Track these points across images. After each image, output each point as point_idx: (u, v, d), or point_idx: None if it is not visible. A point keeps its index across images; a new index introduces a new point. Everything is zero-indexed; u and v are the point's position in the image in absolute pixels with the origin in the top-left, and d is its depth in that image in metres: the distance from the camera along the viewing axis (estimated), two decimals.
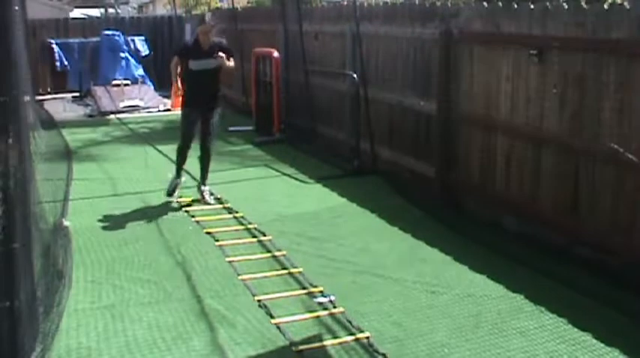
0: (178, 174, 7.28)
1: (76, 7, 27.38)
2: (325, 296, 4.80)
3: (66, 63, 15.57)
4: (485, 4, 6.56)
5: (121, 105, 13.75)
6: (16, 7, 3.61)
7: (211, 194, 7.26)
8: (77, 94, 15.44)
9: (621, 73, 5.03)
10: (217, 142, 10.62)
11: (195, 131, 7.13)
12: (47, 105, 14.09)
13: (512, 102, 6.14)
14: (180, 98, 7.36)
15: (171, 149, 9.96)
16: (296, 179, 8.27)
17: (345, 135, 9.27)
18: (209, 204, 7.03)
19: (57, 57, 15.51)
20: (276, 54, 10.75)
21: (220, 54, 7.01)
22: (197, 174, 7.49)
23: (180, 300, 4.79)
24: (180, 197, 7.21)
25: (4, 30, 3.31)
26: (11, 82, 3.42)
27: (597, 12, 5.21)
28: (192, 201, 7.16)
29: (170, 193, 7.17)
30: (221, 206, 7.05)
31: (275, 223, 6.41)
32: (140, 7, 34.87)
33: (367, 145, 8.52)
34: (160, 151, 9.93)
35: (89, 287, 5.01)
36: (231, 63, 7.20)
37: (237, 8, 14.20)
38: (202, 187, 7.26)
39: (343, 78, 9.22)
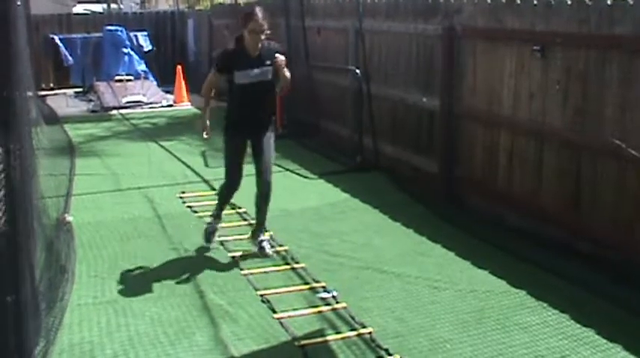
0: (218, 217, 5.81)
1: (79, 2, 27.36)
2: (328, 292, 4.80)
3: (70, 59, 15.58)
4: None
5: (124, 100, 13.77)
6: (18, 3, 3.61)
7: (271, 244, 5.70)
8: (80, 90, 15.46)
9: (624, 68, 5.02)
10: (220, 138, 10.72)
11: (243, 163, 5.53)
12: (50, 101, 14.12)
13: (514, 98, 6.13)
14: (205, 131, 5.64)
15: (174, 144, 10.07)
16: (298, 174, 8.27)
17: (348, 130, 9.27)
18: (268, 256, 5.51)
19: (63, 53, 15.52)
20: None
21: (278, 57, 5.32)
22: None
23: (182, 295, 4.80)
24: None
25: (6, 25, 3.31)
26: (13, 78, 3.42)
27: (600, 8, 5.20)
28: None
29: (209, 239, 5.75)
30: None
31: (277, 218, 6.41)
32: (142, 3, 34.80)
33: (370, 141, 8.51)
34: (162, 147, 9.94)
35: (92, 282, 5.03)
36: (287, 72, 5.47)
37: (239, 3, 14.18)
38: (260, 236, 5.64)
39: (346, 73, 9.21)
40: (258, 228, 5.66)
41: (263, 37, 5.26)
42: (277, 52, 5.38)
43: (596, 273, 5.07)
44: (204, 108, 5.63)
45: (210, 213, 5.88)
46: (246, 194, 7.37)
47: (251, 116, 5.43)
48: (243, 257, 5.49)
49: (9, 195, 3.32)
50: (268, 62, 5.32)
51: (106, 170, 8.56)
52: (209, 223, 5.80)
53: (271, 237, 5.46)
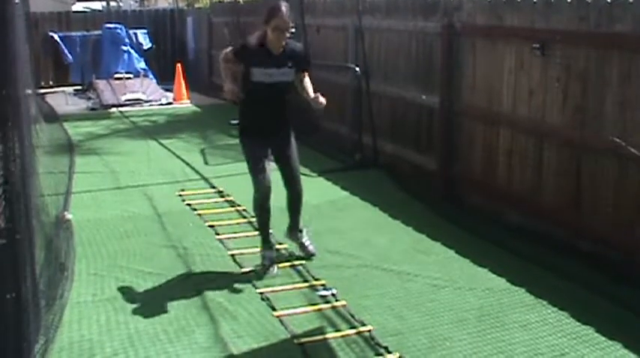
0: (267, 243, 5.21)
1: (78, 0, 27.37)
2: (327, 290, 4.80)
3: (69, 56, 15.57)
4: None
5: (123, 98, 13.76)
6: (17, 0, 3.61)
7: (310, 241, 5.48)
8: (79, 87, 15.46)
9: (624, 66, 5.01)
10: (220, 136, 10.74)
11: (269, 168, 5.10)
12: (49, 99, 14.10)
13: (514, 95, 6.13)
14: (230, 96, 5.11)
15: (173, 142, 10.06)
16: None
17: (347, 128, 9.26)
18: (311, 254, 5.36)
19: (62, 50, 15.51)
20: None
21: (319, 99, 4.97)
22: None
23: (182, 293, 4.80)
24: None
25: (4, 24, 3.30)
26: (12, 76, 3.42)
27: (600, 6, 5.19)
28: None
29: (268, 269, 5.11)
30: (223, 199, 7.05)
31: (276, 216, 6.38)
32: (142, 1, 34.83)
33: (369, 139, 8.51)
34: (162, 144, 9.94)
35: (91, 279, 5.03)
36: (307, 80, 5.17)
37: (239, 1, 14.17)
38: (298, 233, 5.42)
39: (345, 71, 9.21)
40: (295, 227, 5.42)
41: (288, 35, 4.89)
42: (299, 57, 5.09)
43: (596, 272, 5.07)
44: (226, 74, 5.15)
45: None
46: (244, 189, 7.38)
47: (268, 118, 5.07)
48: (243, 254, 5.49)
49: (8, 192, 3.32)
50: (290, 64, 4.99)
51: (105, 168, 8.56)
52: (262, 255, 5.20)
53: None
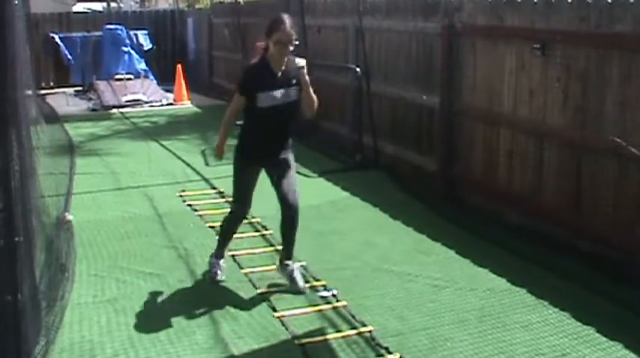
0: (220, 254, 5.08)
1: (79, 1, 27.38)
2: (328, 290, 4.80)
3: (70, 57, 15.58)
4: None
5: (124, 99, 13.77)
6: (16, 2, 3.60)
7: (302, 273, 5.02)
8: (80, 88, 15.46)
9: (624, 66, 5.01)
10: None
11: (253, 192, 4.88)
12: (50, 100, 14.11)
13: (515, 96, 6.13)
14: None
15: (174, 143, 10.07)
16: (298, 173, 8.13)
17: (348, 129, 9.26)
18: (300, 291, 4.78)
19: (63, 51, 15.52)
20: None
21: (299, 62, 4.65)
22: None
23: (182, 294, 4.80)
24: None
25: (3, 25, 3.30)
26: (11, 77, 3.42)
27: (601, 6, 5.19)
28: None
29: (215, 278, 5.00)
30: (223, 200, 7.05)
31: (277, 217, 6.36)
32: (142, 1, 34.82)
33: (370, 139, 8.51)
34: (162, 145, 9.94)
35: (92, 280, 5.03)
36: (311, 91, 4.73)
37: (239, 2, 14.17)
38: (289, 265, 4.91)
39: (346, 72, 9.21)
40: (286, 258, 4.92)
41: (291, 48, 4.57)
42: (302, 69, 4.66)
43: (597, 272, 5.06)
44: (223, 133, 4.82)
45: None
46: None
47: (270, 143, 4.74)
48: (243, 255, 5.48)
49: (7, 194, 3.32)
50: (294, 81, 4.65)
51: (106, 169, 8.56)
52: (210, 262, 5.08)
53: (304, 267, 5.14)
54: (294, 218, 4.82)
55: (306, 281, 4.98)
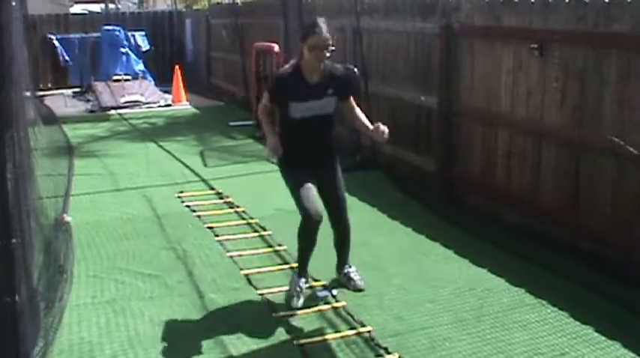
0: (302, 272, 4.63)
1: (77, 2, 27.39)
2: (327, 291, 4.80)
3: (67, 58, 15.58)
4: None
5: (122, 100, 13.78)
6: (14, 3, 3.61)
7: (359, 275, 4.76)
8: (78, 90, 15.47)
9: (622, 66, 5.02)
10: (218, 138, 10.73)
11: (315, 191, 4.45)
12: (48, 101, 14.12)
13: (512, 96, 6.13)
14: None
15: (172, 144, 10.07)
16: None
17: (346, 129, 9.24)
18: (360, 289, 4.66)
19: (60, 52, 15.53)
20: (276, 48, 10.73)
21: (381, 128, 4.33)
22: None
23: (181, 295, 4.80)
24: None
25: (1, 27, 3.29)
26: (9, 78, 3.42)
27: (598, 5, 5.20)
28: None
29: (293, 302, 4.55)
30: (222, 200, 7.05)
31: (276, 217, 6.41)
32: (140, 3, 34.82)
33: (368, 140, 8.50)
34: (161, 146, 9.94)
35: (91, 282, 5.02)
36: (357, 108, 4.63)
37: (237, 3, 14.18)
38: (347, 269, 4.76)
39: None
40: (343, 264, 4.78)
41: (328, 54, 4.27)
42: (343, 80, 4.46)
43: (595, 271, 5.07)
44: (268, 132, 4.46)
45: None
46: (243, 191, 7.40)
47: (310, 151, 4.50)
48: (242, 256, 5.49)
49: (4, 196, 3.31)
50: (331, 91, 4.38)
51: (104, 170, 8.56)
52: (290, 280, 4.68)
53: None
54: (348, 235, 4.70)
55: (305, 282, 4.98)
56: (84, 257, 5.51)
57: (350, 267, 4.78)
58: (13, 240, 3.39)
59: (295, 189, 4.40)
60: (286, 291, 4.66)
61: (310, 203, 4.33)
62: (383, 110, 8.35)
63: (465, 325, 4.31)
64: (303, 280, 4.61)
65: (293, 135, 4.44)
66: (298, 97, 4.32)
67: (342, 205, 4.62)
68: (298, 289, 4.58)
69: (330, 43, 4.27)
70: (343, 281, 4.74)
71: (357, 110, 4.64)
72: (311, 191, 4.39)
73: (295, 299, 4.55)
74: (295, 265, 4.94)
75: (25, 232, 3.73)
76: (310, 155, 4.49)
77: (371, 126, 4.48)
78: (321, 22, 4.27)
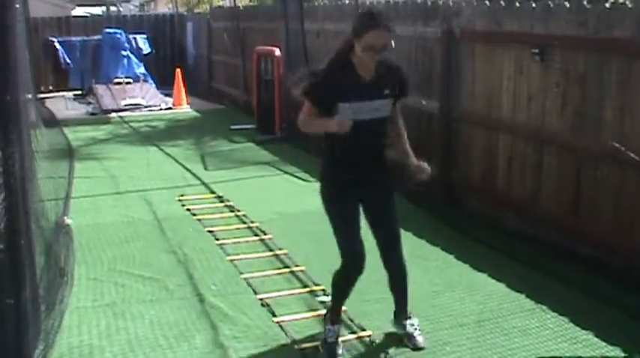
0: (335, 318, 4.00)
1: (78, 5, 27.42)
2: (327, 295, 4.79)
3: (68, 61, 15.60)
4: (487, 2, 6.55)
5: (123, 103, 13.77)
6: (17, 5, 3.62)
7: (419, 331, 4.10)
8: (79, 92, 15.47)
9: (623, 71, 5.02)
10: (219, 141, 10.75)
11: (360, 228, 3.89)
12: (49, 104, 14.10)
13: (513, 101, 6.14)
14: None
15: (173, 147, 10.08)
16: (297, 177, 8.26)
17: None
18: (419, 347, 4.00)
19: (61, 55, 15.55)
20: (277, 52, 10.75)
21: (423, 167, 4.00)
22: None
23: (182, 298, 4.80)
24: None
25: (5, 30, 3.30)
26: (11, 82, 3.43)
27: (599, 11, 5.21)
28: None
29: (336, 351, 3.91)
30: (222, 204, 7.05)
31: (276, 221, 6.41)
32: (142, 5, 34.90)
33: None
34: (161, 150, 9.94)
35: (91, 285, 5.02)
36: (401, 122, 4.04)
37: (238, 6, 14.19)
38: (406, 322, 4.11)
39: None
40: (402, 312, 4.15)
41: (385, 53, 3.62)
42: (400, 76, 3.85)
43: (596, 277, 5.07)
44: (319, 125, 3.77)
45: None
46: (244, 194, 7.40)
47: (358, 171, 3.80)
48: (242, 260, 5.48)
49: (8, 198, 3.32)
50: (387, 91, 3.74)
51: (105, 173, 8.56)
52: (325, 329, 4.01)
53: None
54: (405, 275, 4.07)
55: (305, 286, 4.98)
56: (84, 260, 5.51)
57: (410, 318, 4.12)
58: (19, 242, 3.40)
59: (336, 221, 3.81)
60: (322, 341, 4.01)
61: (356, 246, 3.77)
62: None
63: (465, 330, 4.31)
64: (337, 326, 4.00)
65: (340, 147, 3.73)
66: (348, 97, 3.63)
67: (397, 240, 3.97)
68: (335, 339, 3.94)
69: (388, 42, 3.58)
70: (400, 333, 4.12)
71: (401, 124, 3.97)
72: (357, 228, 3.80)
73: (337, 348, 3.93)
74: (297, 268, 4.89)
75: (29, 234, 3.74)
76: (360, 171, 3.81)
77: (414, 159, 3.99)
78: (379, 16, 3.60)
